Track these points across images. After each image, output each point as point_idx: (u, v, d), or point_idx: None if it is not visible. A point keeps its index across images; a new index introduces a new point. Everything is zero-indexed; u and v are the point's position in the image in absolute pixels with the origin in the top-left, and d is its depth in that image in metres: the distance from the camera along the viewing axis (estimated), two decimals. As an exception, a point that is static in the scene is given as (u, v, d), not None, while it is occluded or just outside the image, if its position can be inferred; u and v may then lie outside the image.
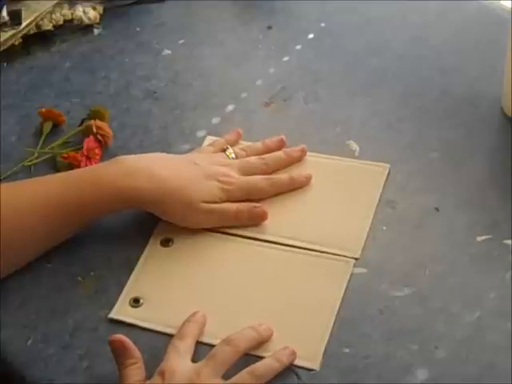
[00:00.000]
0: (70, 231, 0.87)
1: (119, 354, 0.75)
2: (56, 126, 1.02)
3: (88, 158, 0.96)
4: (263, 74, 1.08)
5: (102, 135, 0.98)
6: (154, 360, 0.76)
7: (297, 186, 0.91)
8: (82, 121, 1.01)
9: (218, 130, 1.00)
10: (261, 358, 0.77)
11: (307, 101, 1.03)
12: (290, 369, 0.76)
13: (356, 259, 0.84)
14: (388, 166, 0.93)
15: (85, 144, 0.97)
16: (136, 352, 0.75)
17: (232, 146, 0.95)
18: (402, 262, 0.84)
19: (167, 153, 0.95)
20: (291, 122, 1.01)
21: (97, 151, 0.97)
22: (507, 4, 1.13)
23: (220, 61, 1.11)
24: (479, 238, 0.86)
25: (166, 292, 0.83)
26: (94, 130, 0.98)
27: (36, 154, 0.99)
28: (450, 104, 1.01)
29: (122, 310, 0.82)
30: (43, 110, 1.03)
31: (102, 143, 0.98)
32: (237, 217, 0.88)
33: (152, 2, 1.20)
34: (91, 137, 0.98)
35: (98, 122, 0.99)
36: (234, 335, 0.76)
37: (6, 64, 1.12)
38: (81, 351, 0.80)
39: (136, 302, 0.83)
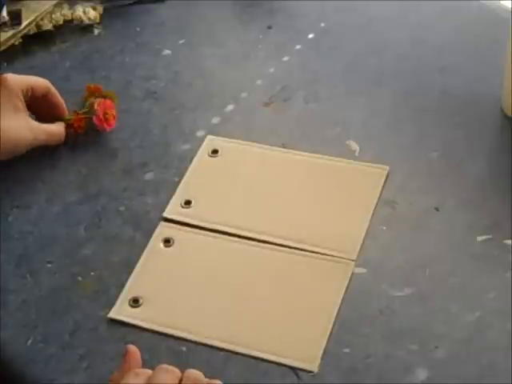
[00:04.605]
0: None
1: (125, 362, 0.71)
2: None
3: (106, 119, 0.96)
4: (263, 74, 1.07)
5: (105, 114, 0.97)
6: (154, 360, 0.75)
7: None
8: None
9: (218, 130, 1.00)
10: (259, 359, 0.77)
11: (307, 101, 1.03)
12: (290, 369, 0.76)
13: (353, 261, 0.84)
14: (387, 167, 0.93)
15: (99, 107, 0.96)
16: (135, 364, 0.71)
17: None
18: (402, 262, 0.84)
19: (167, 152, 0.95)
20: (291, 122, 1.01)
21: (113, 112, 0.97)
22: (507, 4, 1.13)
23: (220, 61, 1.11)
24: (479, 238, 0.86)
25: (166, 292, 0.83)
26: (96, 107, 0.97)
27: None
28: (450, 104, 1.01)
29: (121, 310, 0.82)
30: (92, 85, 1.01)
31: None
32: None
33: (152, 2, 1.20)
34: (104, 100, 0.97)
35: (102, 100, 0.98)
36: None
37: (6, 64, 1.12)
38: (81, 351, 0.80)
39: (135, 302, 0.83)
